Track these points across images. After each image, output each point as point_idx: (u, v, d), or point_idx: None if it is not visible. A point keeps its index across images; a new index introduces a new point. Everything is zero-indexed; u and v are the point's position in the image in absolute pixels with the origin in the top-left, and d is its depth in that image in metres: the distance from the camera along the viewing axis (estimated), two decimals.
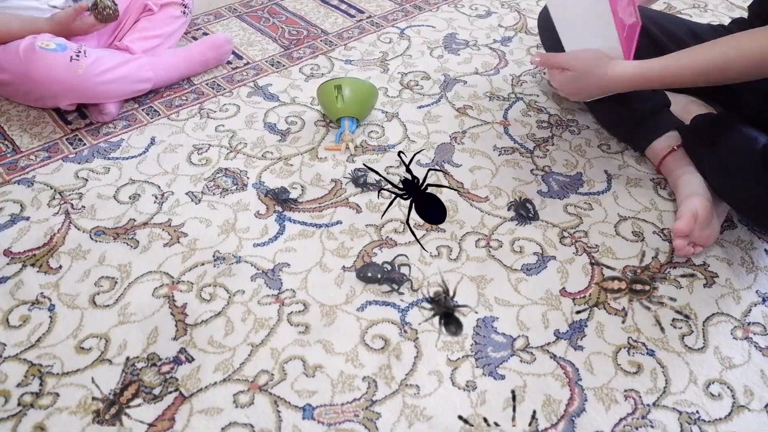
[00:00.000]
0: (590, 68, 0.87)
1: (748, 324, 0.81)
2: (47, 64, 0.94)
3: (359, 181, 0.97)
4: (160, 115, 1.07)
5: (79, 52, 0.95)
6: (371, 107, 1.07)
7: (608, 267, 0.86)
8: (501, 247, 0.88)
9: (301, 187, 0.96)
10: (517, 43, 1.29)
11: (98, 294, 0.79)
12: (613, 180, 1.01)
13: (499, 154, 1.04)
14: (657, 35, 1.04)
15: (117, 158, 0.99)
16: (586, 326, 0.79)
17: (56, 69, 0.94)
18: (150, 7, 1.13)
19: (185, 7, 1.18)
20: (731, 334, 0.80)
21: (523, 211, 0.94)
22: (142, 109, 1.08)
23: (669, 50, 0.98)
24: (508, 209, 0.94)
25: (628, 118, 1.02)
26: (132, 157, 0.99)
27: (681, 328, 0.80)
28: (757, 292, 0.85)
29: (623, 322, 0.80)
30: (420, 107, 1.13)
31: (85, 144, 1.01)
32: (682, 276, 0.86)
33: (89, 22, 1.01)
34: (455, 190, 0.96)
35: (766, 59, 0.77)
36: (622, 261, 0.88)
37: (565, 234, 0.91)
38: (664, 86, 0.88)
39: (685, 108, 1.05)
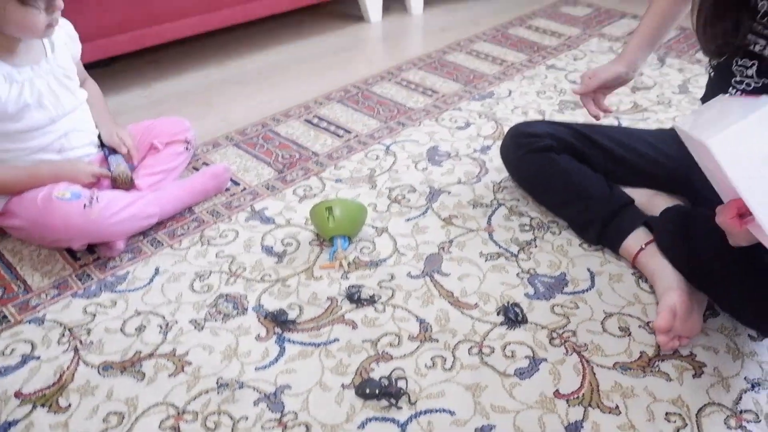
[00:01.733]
0: None
1: (741, 412, 0.83)
2: (63, 213, 1.01)
3: (354, 297, 1.01)
4: (163, 245, 1.14)
5: (92, 198, 1.03)
6: (361, 224, 1.14)
7: (599, 365, 0.89)
8: (493, 352, 0.91)
9: (299, 307, 1.00)
10: (495, 151, 1.37)
11: (106, 430, 0.82)
12: (596, 277, 1.05)
13: (486, 260, 1.09)
14: (610, 147, 1.14)
15: (123, 291, 1.04)
16: (582, 427, 0.81)
17: (71, 217, 1.01)
18: (156, 145, 1.22)
19: (188, 143, 1.28)
20: (725, 423, 0.82)
21: (512, 315, 0.98)
22: (147, 241, 1.14)
23: (625, 159, 1.09)
24: (498, 314, 0.98)
25: (594, 221, 1.08)
26: (138, 289, 1.05)
27: (675, 421, 0.82)
28: (745, 378, 0.88)
29: (618, 419, 0.82)
30: (408, 220, 1.19)
31: (93, 279, 1.07)
32: (672, 368, 0.89)
33: (96, 175, 1.11)
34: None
35: None
36: (612, 358, 0.91)
37: (554, 335, 0.94)
38: None
39: (650, 201, 1.12)
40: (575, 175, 1.12)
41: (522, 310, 0.99)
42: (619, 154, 1.14)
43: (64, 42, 1.12)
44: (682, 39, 1.95)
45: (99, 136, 1.20)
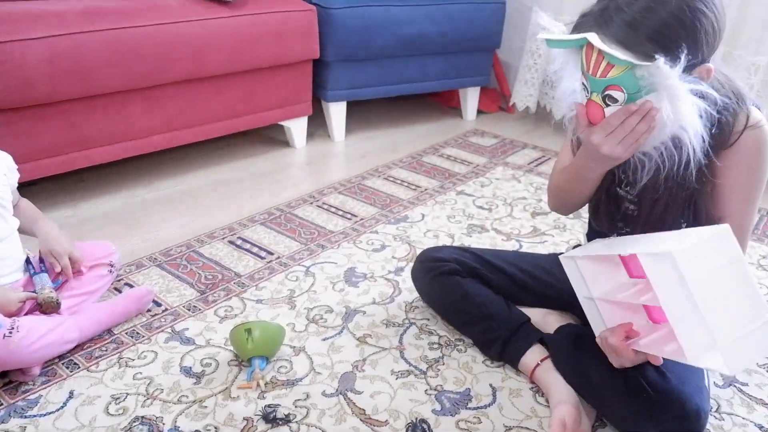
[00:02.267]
0: None
1: None
2: None
3: (269, 417, 1.05)
4: (79, 367, 1.15)
5: (12, 328, 1.05)
6: (279, 345, 1.19)
7: None
8: None
9: (215, 428, 1.03)
10: (408, 272, 1.47)
11: None
12: (498, 392, 1.14)
13: (397, 378, 1.16)
14: (510, 271, 1.26)
15: (34, 416, 1.04)
16: None
17: None
18: (80, 269, 1.26)
19: (112, 267, 1.32)
20: None
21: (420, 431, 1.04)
22: (63, 363, 1.15)
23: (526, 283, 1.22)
24: (406, 431, 1.04)
25: (496, 340, 1.18)
26: (49, 413, 1.04)
27: None
28: None
29: None
30: (324, 339, 1.25)
31: (2, 404, 1.06)
32: None
33: (21, 300, 1.13)
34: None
35: None
36: None
37: None
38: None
39: (544, 319, 1.23)
40: (478, 297, 1.23)
41: (429, 426, 1.05)
42: (517, 278, 1.26)
43: (4, 173, 1.17)
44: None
45: (27, 258, 1.22)
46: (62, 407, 1.06)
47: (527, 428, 1.06)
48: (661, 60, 0.82)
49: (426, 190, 1.97)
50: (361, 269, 1.50)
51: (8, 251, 1.16)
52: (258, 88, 2.08)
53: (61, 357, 1.16)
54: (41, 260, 1.22)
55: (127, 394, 1.09)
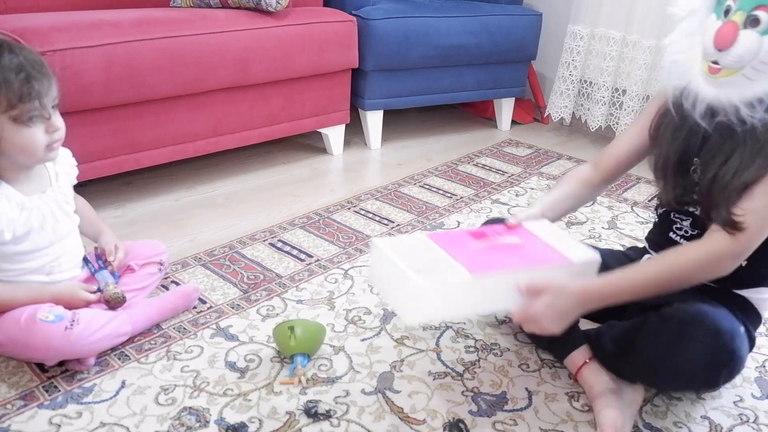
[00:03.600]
0: (564, 285, 1.03)
1: None
2: (45, 334, 1.08)
3: (311, 411, 1.08)
4: (130, 359, 1.20)
5: (73, 320, 1.10)
6: (321, 343, 1.23)
7: None
8: None
9: (259, 420, 1.07)
10: None
11: None
12: (534, 396, 1.16)
13: (434, 379, 1.19)
14: None
15: (89, 402, 1.09)
16: None
17: (53, 338, 1.08)
18: (132, 266, 1.31)
19: (161, 265, 1.37)
20: None
21: (457, 431, 1.06)
22: (115, 355, 1.20)
23: None
24: (444, 430, 1.06)
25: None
26: (103, 401, 1.10)
27: None
28: None
29: None
30: (363, 339, 1.29)
31: (60, 390, 1.11)
32: None
33: (91, 301, 1.19)
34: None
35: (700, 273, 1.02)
36: None
37: None
38: (612, 301, 1.05)
39: None
40: None
41: (466, 426, 1.07)
42: None
43: (66, 171, 1.23)
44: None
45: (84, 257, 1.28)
46: (115, 395, 1.11)
47: (563, 431, 1.08)
48: None
49: (461, 198, 2.00)
50: None
51: (70, 247, 1.22)
52: (298, 96, 2.13)
53: (113, 349, 1.21)
54: (97, 257, 1.28)
55: (176, 385, 1.14)
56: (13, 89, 1.02)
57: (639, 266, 1.09)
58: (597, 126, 2.53)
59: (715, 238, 0.98)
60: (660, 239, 1.17)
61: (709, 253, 0.99)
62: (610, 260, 1.21)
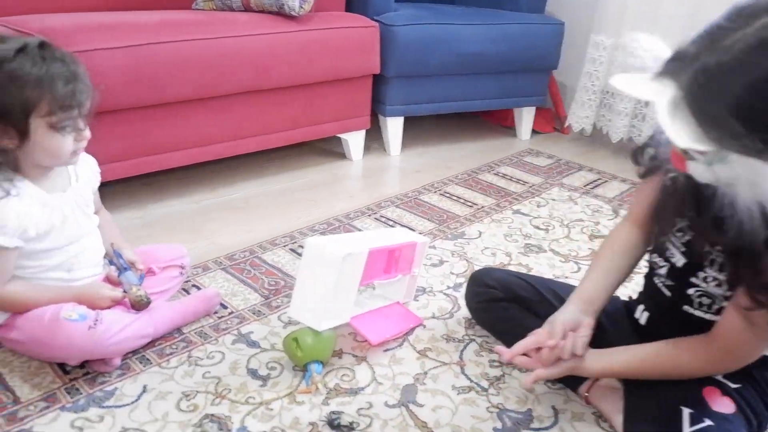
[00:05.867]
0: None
1: None
2: (68, 333, 1.07)
3: (334, 423, 1.07)
4: (152, 363, 1.19)
5: (96, 320, 1.10)
6: (331, 349, 1.21)
7: None
8: None
9: (281, 430, 1.05)
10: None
11: None
12: (560, 414, 1.13)
13: (458, 393, 1.17)
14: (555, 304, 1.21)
15: (111, 407, 1.08)
16: None
17: (76, 337, 1.07)
18: (153, 270, 1.31)
19: (183, 269, 1.37)
20: None
21: None
22: (136, 358, 1.19)
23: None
24: None
25: None
26: (125, 405, 1.08)
27: None
28: None
29: None
30: (386, 350, 1.27)
31: (81, 393, 1.10)
32: None
33: (115, 299, 1.19)
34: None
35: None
36: None
37: None
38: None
39: None
40: (527, 321, 1.23)
41: None
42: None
43: (88, 176, 1.23)
44: (633, 193, 2.17)
45: (106, 257, 1.27)
46: (137, 400, 1.10)
47: None
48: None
49: (482, 207, 1.98)
50: (420, 283, 1.51)
51: (90, 244, 1.22)
52: (318, 101, 2.12)
53: (134, 352, 1.20)
54: (118, 255, 1.27)
55: (197, 391, 1.13)
56: (58, 98, 1.04)
57: (647, 353, 1.03)
58: (619, 138, 2.51)
59: (732, 328, 0.92)
60: (646, 284, 1.14)
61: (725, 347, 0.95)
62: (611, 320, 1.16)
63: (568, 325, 1.05)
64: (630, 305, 1.21)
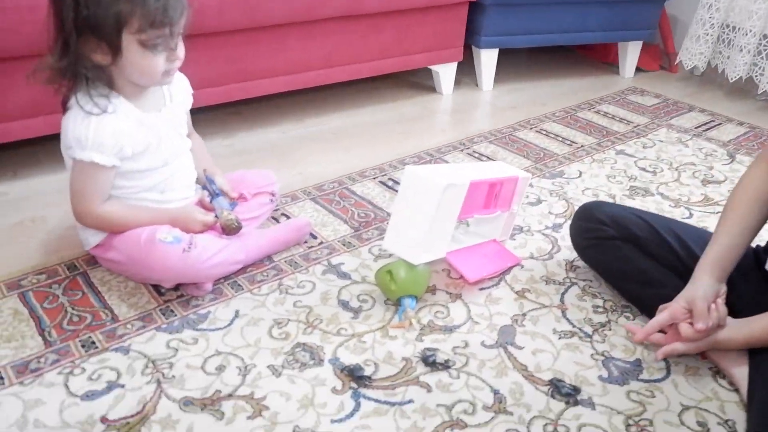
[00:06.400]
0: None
1: None
2: (163, 255, 1.07)
3: (429, 360, 1.02)
4: (243, 289, 1.18)
5: (191, 244, 1.09)
6: (426, 284, 1.16)
7: None
8: None
9: (375, 364, 1.02)
10: (567, 230, 1.39)
11: None
12: (672, 367, 1.04)
13: (559, 338, 1.10)
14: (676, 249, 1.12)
15: (204, 330, 1.08)
16: None
17: (170, 259, 1.07)
18: (244, 195, 1.28)
19: (273, 196, 1.34)
20: None
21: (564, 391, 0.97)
22: (228, 283, 1.18)
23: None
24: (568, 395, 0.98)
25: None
26: (218, 329, 1.08)
27: None
28: None
29: None
30: (481, 289, 1.21)
31: (176, 315, 1.11)
32: None
33: (208, 223, 1.18)
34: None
35: None
36: None
37: (630, 422, 0.93)
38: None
39: None
40: (643, 263, 1.13)
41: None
42: (684, 259, 1.11)
43: (182, 97, 1.21)
44: (751, 137, 1.97)
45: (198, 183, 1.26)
46: (229, 324, 1.09)
47: (707, 410, 0.97)
48: None
49: (582, 146, 1.85)
50: (517, 222, 1.42)
51: (183, 167, 1.21)
52: (411, 30, 2.02)
53: (226, 278, 1.19)
54: (210, 181, 1.25)
55: (289, 320, 1.11)
56: (149, 14, 0.99)
57: None
58: (737, 77, 2.27)
59: None
60: None
61: None
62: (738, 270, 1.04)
63: (710, 301, 0.98)
64: (759, 253, 1.09)
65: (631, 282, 1.14)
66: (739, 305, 1.03)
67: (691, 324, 0.98)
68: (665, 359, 1.05)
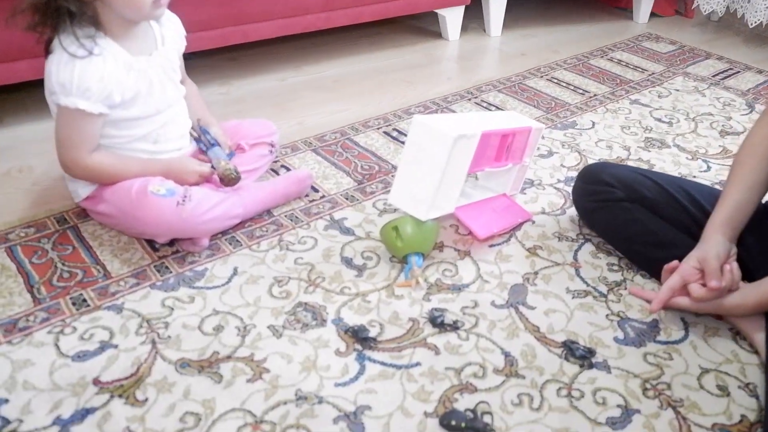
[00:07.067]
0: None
1: None
2: (156, 208, 1.00)
3: (436, 321, 0.98)
4: (242, 245, 1.12)
5: (185, 196, 1.02)
6: (434, 241, 1.10)
7: (697, 425, 0.84)
8: (583, 397, 0.87)
9: (380, 324, 0.97)
10: None
11: (183, 431, 0.79)
12: (690, 328, 1.00)
13: (573, 297, 1.05)
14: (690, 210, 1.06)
15: (201, 288, 1.03)
16: None
17: (163, 213, 1.00)
18: (242, 146, 1.22)
19: (272, 147, 1.27)
20: None
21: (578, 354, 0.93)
22: (225, 239, 1.13)
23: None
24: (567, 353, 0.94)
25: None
26: (216, 287, 1.03)
27: None
28: None
29: None
30: (491, 246, 1.15)
31: (171, 272, 1.05)
32: None
33: (204, 174, 1.11)
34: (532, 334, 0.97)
35: None
36: (710, 418, 0.85)
37: (648, 386, 0.89)
38: None
39: None
40: (654, 224, 1.07)
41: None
42: (697, 218, 1.05)
43: (174, 39, 1.12)
44: None
45: (191, 132, 1.19)
46: (227, 282, 1.04)
47: (727, 373, 0.92)
48: None
49: (595, 95, 1.77)
50: (527, 175, 1.36)
51: (176, 116, 1.13)
52: None
53: (223, 233, 1.14)
54: (204, 131, 1.18)
55: (290, 278, 1.06)
56: None
57: None
58: (757, 22, 2.17)
59: None
60: None
61: None
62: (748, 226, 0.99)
63: (723, 260, 0.93)
64: None
65: (642, 244, 1.08)
66: (747, 260, 0.98)
67: (703, 285, 0.93)
68: (683, 320, 1.01)
